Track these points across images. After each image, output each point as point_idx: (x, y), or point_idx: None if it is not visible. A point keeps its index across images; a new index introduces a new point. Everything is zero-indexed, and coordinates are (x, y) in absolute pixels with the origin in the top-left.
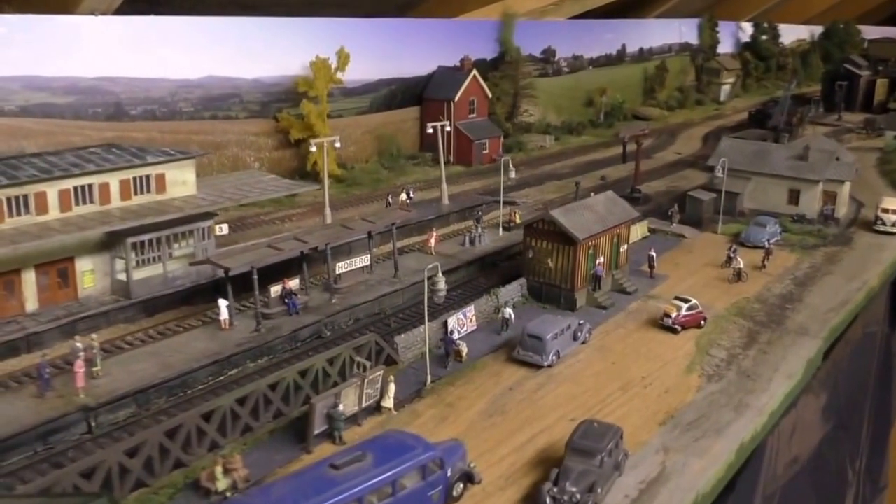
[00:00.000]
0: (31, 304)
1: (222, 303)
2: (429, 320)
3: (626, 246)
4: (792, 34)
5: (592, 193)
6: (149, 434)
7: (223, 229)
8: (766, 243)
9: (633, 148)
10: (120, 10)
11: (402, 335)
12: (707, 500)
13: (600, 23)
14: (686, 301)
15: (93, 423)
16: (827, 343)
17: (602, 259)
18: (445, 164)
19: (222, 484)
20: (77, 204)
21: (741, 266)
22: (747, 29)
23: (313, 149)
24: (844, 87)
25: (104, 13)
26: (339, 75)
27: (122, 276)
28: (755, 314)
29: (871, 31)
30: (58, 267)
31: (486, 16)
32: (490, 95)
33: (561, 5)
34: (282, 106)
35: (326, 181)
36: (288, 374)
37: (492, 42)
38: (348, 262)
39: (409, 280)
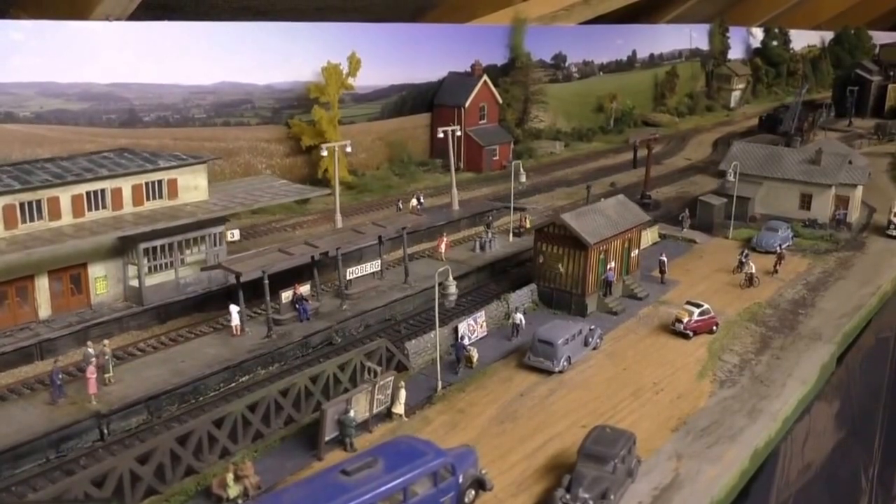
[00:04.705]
0: (45, 311)
1: (234, 309)
2: (439, 326)
3: (636, 251)
4: (803, 40)
5: (602, 199)
6: (160, 441)
7: (235, 235)
8: (778, 248)
9: (644, 153)
10: (133, 16)
11: (413, 341)
12: None
13: (611, 28)
14: (698, 306)
15: (105, 430)
16: (840, 348)
17: (613, 264)
18: (455, 170)
19: (233, 491)
20: (90, 209)
21: (753, 271)
22: (758, 34)
23: (324, 153)
24: (855, 92)
25: (118, 19)
26: (350, 81)
27: (135, 283)
28: (768, 319)
29: (882, 37)
30: (71, 273)
31: (497, 21)
32: (500, 101)
33: (571, 11)
34: (293, 112)
35: (337, 186)
36: (299, 381)
37: (502, 48)
38: (359, 267)
39: (419, 286)
